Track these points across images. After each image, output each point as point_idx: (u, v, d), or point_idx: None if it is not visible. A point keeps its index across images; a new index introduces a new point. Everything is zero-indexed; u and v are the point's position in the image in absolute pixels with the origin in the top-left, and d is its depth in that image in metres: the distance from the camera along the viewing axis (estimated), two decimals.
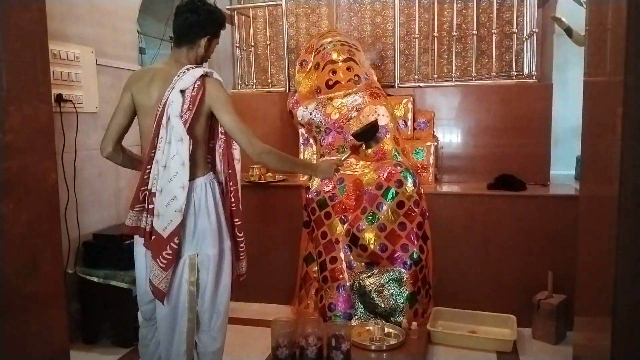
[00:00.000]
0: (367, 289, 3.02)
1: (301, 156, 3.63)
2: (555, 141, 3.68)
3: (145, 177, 1.94)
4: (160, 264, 1.92)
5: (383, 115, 3.33)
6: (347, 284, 3.07)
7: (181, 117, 1.92)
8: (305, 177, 3.46)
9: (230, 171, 2.15)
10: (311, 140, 3.60)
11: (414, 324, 2.85)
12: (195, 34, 2.06)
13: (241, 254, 2.21)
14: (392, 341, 2.78)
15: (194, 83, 1.96)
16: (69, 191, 2.81)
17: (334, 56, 3.47)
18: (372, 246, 3.02)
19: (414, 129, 3.57)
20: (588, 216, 2.28)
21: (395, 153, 3.26)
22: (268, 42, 4.23)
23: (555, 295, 2.94)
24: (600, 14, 2.04)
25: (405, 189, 3.08)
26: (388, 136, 3.30)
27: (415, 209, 3.09)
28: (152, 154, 1.93)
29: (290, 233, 3.40)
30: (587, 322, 2.28)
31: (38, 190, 1.84)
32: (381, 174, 3.12)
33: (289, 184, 3.52)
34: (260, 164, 2.13)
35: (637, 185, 1.65)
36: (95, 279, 2.82)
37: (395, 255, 3.02)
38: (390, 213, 3.05)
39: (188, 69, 2.00)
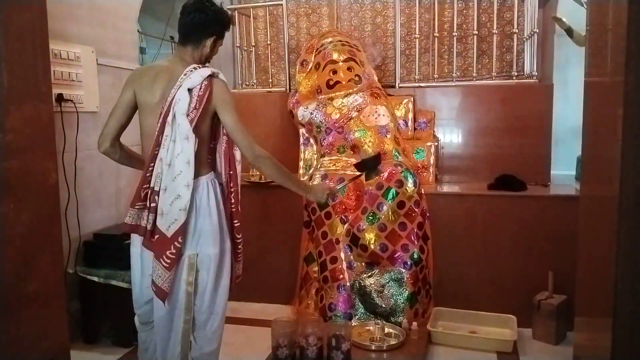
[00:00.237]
0: (368, 289, 3.02)
1: (301, 156, 3.63)
2: (556, 141, 3.68)
3: (148, 174, 1.93)
4: (164, 264, 1.90)
5: (383, 115, 3.33)
6: (348, 284, 3.07)
7: (187, 115, 1.92)
8: (306, 177, 3.46)
9: (231, 172, 2.14)
10: (312, 140, 3.60)
11: (414, 324, 2.85)
12: (202, 33, 2.07)
13: (238, 256, 2.21)
14: (393, 341, 2.78)
15: (201, 82, 1.97)
16: (70, 191, 2.82)
17: (335, 56, 3.47)
18: (372, 246, 3.02)
19: (415, 129, 3.56)
20: (588, 216, 2.28)
21: (396, 153, 3.26)
22: (269, 42, 4.23)
23: (555, 296, 2.93)
24: (601, 14, 2.04)
25: (406, 189, 3.08)
26: (388, 136, 3.30)
27: (416, 209, 3.09)
28: (156, 152, 1.92)
29: (291, 233, 3.40)
30: (587, 322, 2.28)
31: (38, 190, 1.84)
32: (382, 174, 3.12)
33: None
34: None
35: (637, 186, 1.65)
36: (95, 279, 2.82)
37: (396, 256, 3.02)
38: (390, 213, 3.05)
39: (195, 68, 2.01)
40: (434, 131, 3.59)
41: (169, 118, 1.91)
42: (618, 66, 1.73)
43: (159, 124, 1.93)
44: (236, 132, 2.03)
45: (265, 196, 3.48)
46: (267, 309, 3.36)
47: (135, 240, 2.08)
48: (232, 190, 2.13)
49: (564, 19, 3.70)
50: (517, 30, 3.63)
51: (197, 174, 1.97)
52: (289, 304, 3.39)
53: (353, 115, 3.34)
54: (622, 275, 1.70)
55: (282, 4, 3.98)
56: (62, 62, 2.81)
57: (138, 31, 3.58)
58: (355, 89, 3.39)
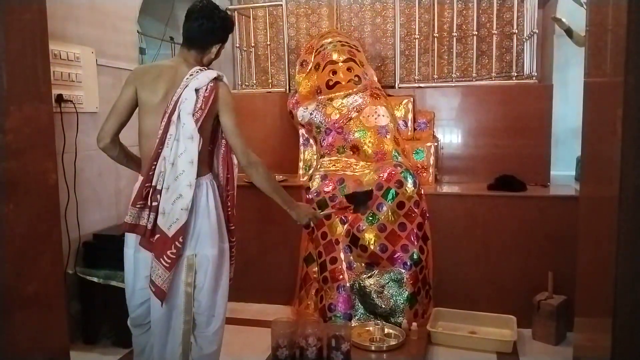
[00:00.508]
0: (367, 290, 3.02)
1: (301, 156, 3.64)
2: (556, 142, 3.68)
3: (150, 173, 1.93)
4: (164, 264, 1.90)
5: (383, 115, 3.33)
6: (347, 284, 3.07)
7: (193, 115, 1.93)
8: (306, 178, 3.47)
9: (229, 176, 2.18)
10: (311, 141, 3.60)
11: (414, 324, 2.85)
12: (209, 40, 2.08)
13: (232, 259, 2.21)
14: (392, 342, 2.78)
15: (208, 84, 1.99)
16: (69, 191, 2.81)
17: (334, 56, 3.47)
18: (372, 247, 3.02)
19: (414, 129, 3.57)
20: (588, 217, 2.28)
21: (396, 154, 3.26)
22: (268, 43, 4.23)
23: (555, 296, 2.93)
24: (601, 15, 2.04)
25: (406, 189, 3.08)
26: (388, 137, 3.30)
27: (416, 210, 3.09)
28: (160, 150, 1.92)
29: (290, 233, 3.40)
30: (587, 323, 2.27)
31: (38, 190, 1.84)
32: (381, 175, 3.12)
33: (289, 185, 3.51)
34: (247, 173, 2.13)
35: (637, 186, 1.65)
36: (95, 279, 2.81)
37: (396, 256, 3.02)
38: (390, 213, 3.05)
39: (201, 69, 2.03)
40: (433, 132, 3.59)
41: (174, 117, 1.92)
42: (618, 66, 1.73)
43: (163, 123, 1.93)
44: (234, 136, 2.05)
45: (265, 197, 3.46)
46: (267, 310, 3.36)
47: (129, 241, 2.08)
48: (229, 193, 2.17)
49: (563, 20, 3.71)
50: (516, 31, 3.63)
51: (197, 174, 1.97)
52: (289, 304, 3.39)
53: (353, 116, 3.34)
54: (622, 275, 1.70)
55: (281, 5, 3.98)
56: (62, 63, 2.81)
57: (138, 32, 3.58)
58: (355, 90, 3.39)
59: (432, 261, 3.16)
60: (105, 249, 2.89)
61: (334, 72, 3.44)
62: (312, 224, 2.34)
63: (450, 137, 3.63)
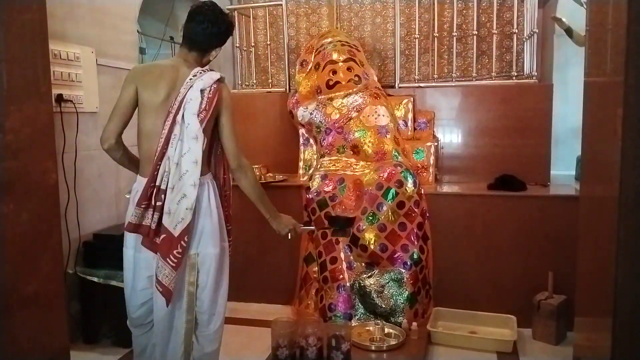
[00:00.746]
0: (367, 289, 3.02)
1: (301, 156, 3.64)
2: (556, 141, 3.68)
3: (155, 173, 1.93)
4: (171, 263, 1.91)
5: (383, 115, 3.33)
6: (347, 284, 3.07)
7: (198, 115, 1.95)
8: (306, 177, 3.47)
9: (225, 176, 2.21)
10: (311, 141, 3.61)
11: (414, 324, 2.85)
12: (211, 44, 2.10)
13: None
14: (392, 342, 2.78)
15: (212, 85, 2.01)
16: (69, 191, 2.82)
17: (335, 56, 3.47)
18: (372, 246, 3.02)
19: (414, 129, 3.57)
20: (588, 216, 2.28)
21: (396, 153, 3.26)
22: (268, 42, 4.23)
23: (555, 296, 2.93)
24: (601, 14, 2.04)
25: (406, 189, 3.08)
26: (388, 136, 3.30)
27: (416, 209, 3.09)
28: (164, 151, 1.93)
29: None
30: (587, 322, 2.28)
31: (38, 190, 1.84)
32: (381, 174, 3.12)
33: (289, 184, 3.52)
34: (235, 177, 2.14)
35: (637, 186, 1.65)
36: (95, 279, 2.82)
37: (396, 256, 3.02)
38: (390, 213, 3.05)
39: (204, 71, 2.04)
40: (433, 131, 3.59)
41: (179, 117, 1.92)
42: (618, 66, 1.73)
43: (168, 123, 1.94)
44: (230, 139, 2.09)
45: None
46: (267, 309, 3.36)
47: (129, 242, 2.08)
48: (226, 193, 2.20)
49: (563, 19, 3.71)
50: (516, 31, 3.63)
51: (200, 174, 1.99)
52: (289, 304, 3.39)
53: (353, 116, 3.34)
54: (622, 275, 1.69)
55: (281, 4, 3.98)
56: (62, 63, 2.81)
57: (138, 31, 3.57)
58: (355, 89, 3.39)
59: (432, 261, 3.16)
60: (105, 249, 2.89)
61: (334, 72, 3.44)
62: (291, 236, 2.35)
63: (451, 137, 3.63)
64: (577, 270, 2.42)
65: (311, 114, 3.46)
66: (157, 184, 1.93)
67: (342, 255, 3.12)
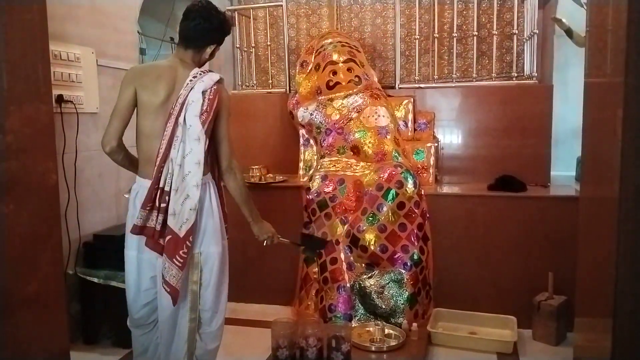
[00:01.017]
0: (368, 290, 3.01)
1: (301, 157, 3.64)
2: (556, 142, 3.68)
3: (159, 175, 1.94)
4: (178, 264, 1.93)
5: (383, 116, 3.33)
6: (348, 285, 3.07)
7: (199, 117, 1.96)
8: (306, 178, 3.47)
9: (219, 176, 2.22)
10: (311, 141, 3.61)
11: (414, 325, 2.85)
12: (205, 40, 2.09)
13: None
14: (393, 342, 2.77)
15: (212, 87, 2.02)
16: (70, 192, 2.82)
17: (335, 57, 3.47)
18: (372, 247, 3.02)
19: (415, 129, 3.57)
20: (588, 217, 2.28)
21: (396, 154, 3.26)
22: (268, 43, 4.23)
23: (555, 297, 2.93)
24: (601, 15, 2.04)
25: (406, 190, 3.08)
26: (388, 137, 3.30)
27: (416, 210, 3.09)
28: (168, 153, 1.94)
29: (291, 234, 3.39)
30: (587, 323, 2.27)
31: (38, 190, 1.84)
32: (381, 175, 3.12)
33: (289, 185, 3.52)
34: (224, 177, 2.16)
35: (637, 186, 1.65)
36: (95, 280, 2.82)
37: (396, 256, 3.02)
38: (390, 214, 3.05)
39: (204, 72, 2.05)
40: (433, 132, 3.59)
41: (181, 119, 1.93)
42: (618, 67, 1.73)
43: (170, 125, 1.94)
44: (225, 140, 2.11)
45: (265, 197, 3.47)
46: (267, 310, 3.36)
47: (131, 243, 2.09)
48: (221, 192, 2.22)
49: (563, 20, 3.71)
50: (517, 31, 3.63)
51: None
52: (289, 305, 3.39)
53: (353, 116, 3.34)
54: (622, 276, 1.69)
55: (282, 5, 3.98)
56: (62, 63, 2.81)
57: (138, 32, 3.58)
58: (355, 90, 3.39)
59: (433, 261, 3.16)
60: (105, 250, 2.89)
61: (334, 73, 3.44)
62: (267, 243, 2.38)
63: (451, 138, 3.63)
64: (577, 270, 2.42)
65: (311, 114, 3.46)
66: (161, 185, 1.94)
67: (342, 256, 3.12)
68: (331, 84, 3.43)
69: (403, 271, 3.01)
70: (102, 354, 2.85)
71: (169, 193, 1.92)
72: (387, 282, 3.01)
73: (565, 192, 3.26)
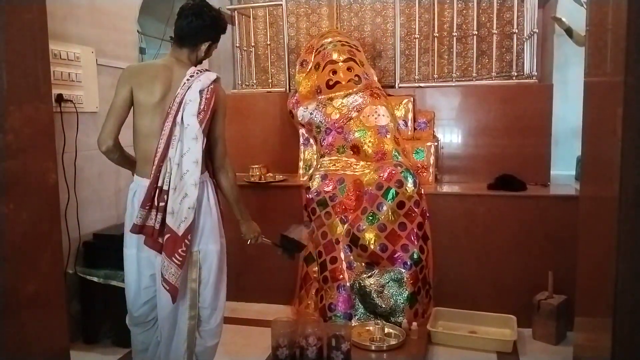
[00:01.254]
0: (368, 289, 3.02)
1: (301, 156, 3.64)
2: (556, 141, 3.67)
3: (157, 174, 1.95)
4: (177, 262, 1.94)
5: (383, 115, 3.33)
6: (348, 284, 3.07)
7: (197, 116, 1.96)
8: (306, 177, 3.47)
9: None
10: (311, 141, 3.61)
11: (414, 324, 2.85)
12: (198, 38, 2.09)
13: None
14: (392, 341, 2.78)
15: (209, 86, 2.02)
16: (69, 191, 2.82)
17: (335, 56, 3.47)
18: (372, 246, 3.02)
19: (415, 129, 3.57)
20: (588, 216, 2.28)
21: (396, 153, 3.26)
22: (268, 42, 4.23)
23: (555, 296, 2.93)
24: (601, 14, 2.04)
25: (406, 189, 3.08)
26: (388, 136, 3.30)
27: (416, 209, 3.09)
28: (166, 152, 1.94)
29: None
30: (587, 322, 2.28)
31: (38, 190, 1.84)
32: (381, 174, 3.12)
33: (289, 184, 3.52)
34: (217, 175, 2.17)
35: (637, 186, 1.65)
36: (95, 279, 2.82)
37: (396, 256, 3.02)
38: (390, 213, 3.05)
39: (201, 71, 2.06)
40: (433, 131, 3.59)
41: (178, 118, 1.94)
42: (618, 66, 1.73)
43: (168, 124, 1.95)
44: (220, 139, 2.13)
45: (265, 196, 3.48)
46: (267, 309, 3.36)
47: (130, 242, 2.10)
48: (216, 191, 2.22)
49: (563, 19, 3.70)
50: (516, 30, 3.63)
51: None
52: (289, 304, 3.39)
53: (353, 116, 3.34)
54: (622, 275, 1.70)
55: (281, 4, 3.98)
56: (62, 63, 2.81)
57: (138, 31, 3.57)
58: (355, 89, 3.39)
59: (432, 261, 3.16)
60: (105, 249, 2.89)
61: (334, 72, 3.44)
62: (251, 242, 2.41)
63: (451, 137, 3.63)
64: (577, 270, 2.42)
65: (311, 113, 3.46)
66: (160, 185, 1.95)
67: (342, 255, 3.12)
68: (331, 83, 3.43)
69: (403, 270, 3.01)
70: (102, 353, 2.85)
71: (167, 192, 1.93)
72: (387, 281, 3.01)
73: (565, 191, 3.26)
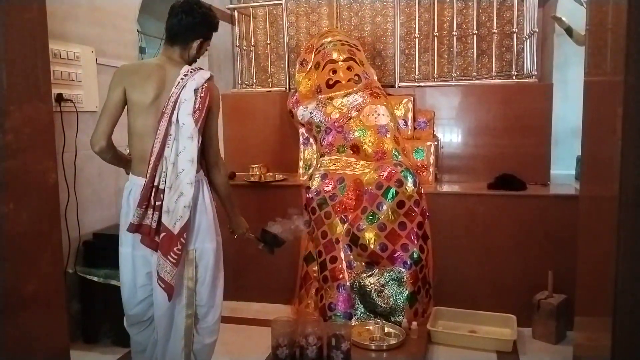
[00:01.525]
0: (367, 289, 3.02)
1: (301, 155, 3.64)
2: (556, 141, 3.68)
3: (153, 173, 1.95)
4: (172, 260, 1.94)
5: (383, 114, 3.33)
6: (347, 283, 3.07)
7: (192, 115, 1.96)
8: (306, 177, 3.47)
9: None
10: (311, 140, 3.61)
11: (414, 323, 2.85)
12: (189, 35, 2.09)
13: None
14: (392, 341, 2.78)
15: (203, 84, 2.02)
16: (69, 191, 2.81)
17: (335, 56, 3.47)
18: (372, 246, 3.02)
19: (414, 128, 3.56)
20: (588, 216, 2.28)
21: (396, 153, 3.26)
22: (268, 42, 4.23)
23: (555, 295, 2.94)
24: (601, 14, 2.04)
25: (406, 188, 3.08)
26: (388, 136, 3.30)
27: (416, 209, 3.09)
28: (162, 151, 1.95)
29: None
30: (587, 322, 2.28)
31: (38, 189, 1.84)
32: (381, 174, 3.12)
33: (289, 184, 3.52)
34: (211, 172, 2.18)
35: (637, 186, 1.65)
36: (95, 279, 2.82)
37: (396, 255, 3.02)
38: (390, 213, 3.05)
39: (195, 69, 2.05)
40: (433, 131, 3.59)
41: (174, 117, 1.94)
42: (618, 66, 1.73)
43: (164, 124, 1.95)
44: (214, 138, 2.14)
45: (265, 196, 3.48)
46: (267, 309, 3.36)
47: (125, 240, 2.10)
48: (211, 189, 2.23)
49: (563, 19, 3.70)
50: (516, 30, 3.63)
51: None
52: (289, 303, 3.39)
53: (353, 115, 3.34)
54: (622, 274, 1.70)
55: (281, 4, 3.98)
56: (62, 62, 2.81)
57: (138, 31, 3.57)
58: (355, 89, 3.39)
59: (432, 260, 3.16)
60: (105, 248, 2.88)
61: (334, 71, 3.44)
62: (236, 236, 2.45)
63: (450, 136, 3.63)
64: (577, 269, 2.42)
65: (311, 113, 3.46)
66: (156, 184, 1.95)
67: (342, 254, 3.12)
68: (331, 82, 3.43)
69: (403, 270, 3.01)
70: (102, 352, 2.85)
71: (163, 191, 1.94)
72: (387, 280, 3.01)
73: (565, 190, 3.26)
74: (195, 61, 2.17)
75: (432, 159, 3.41)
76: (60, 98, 2.76)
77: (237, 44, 4.28)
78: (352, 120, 3.33)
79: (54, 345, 1.93)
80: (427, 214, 3.16)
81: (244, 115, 3.88)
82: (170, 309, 2.05)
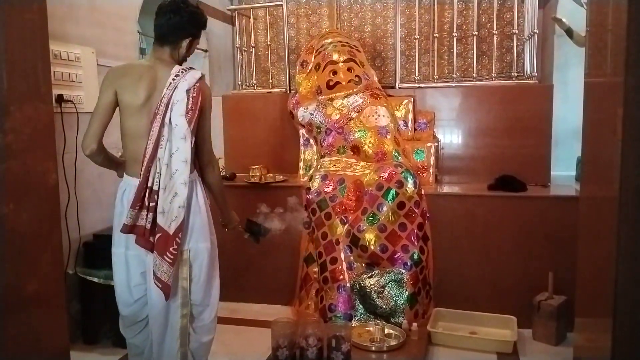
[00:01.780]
0: (368, 290, 3.01)
1: (301, 156, 3.64)
2: (556, 142, 3.68)
3: (147, 174, 1.95)
4: (168, 260, 1.95)
5: (383, 115, 3.33)
6: (348, 284, 3.07)
7: (185, 116, 1.96)
8: (306, 178, 3.47)
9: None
10: (312, 141, 3.61)
11: (415, 324, 2.85)
12: (178, 35, 2.08)
13: None
14: (393, 342, 2.77)
15: (195, 84, 2.02)
16: (70, 191, 2.82)
17: (335, 57, 3.47)
18: (372, 247, 3.02)
19: (415, 129, 3.57)
20: (589, 217, 2.28)
21: (396, 154, 3.26)
22: (269, 43, 4.23)
23: (555, 297, 2.93)
24: (601, 15, 2.04)
25: (406, 189, 3.08)
26: (388, 137, 3.30)
27: (416, 210, 3.09)
28: (155, 153, 1.95)
29: (291, 234, 3.39)
30: (587, 323, 2.27)
31: (38, 190, 1.84)
32: (382, 175, 3.12)
33: (289, 185, 3.52)
34: (205, 170, 2.18)
35: (637, 186, 1.65)
36: (95, 280, 2.82)
37: (396, 256, 3.02)
38: (390, 214, 3.05)
39: (185, 70, 2.05)
40: (434, 132, 3.59)
41: (166, 118, 1.94)
42: (618, 66, 1.73)
43: (156, 125, 1.95)
44: (207, 137, 2.14)
45: (265, 197, 3.46)
46: (267, 310, 3.36)
47: (118, 241, 2.11)
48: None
49: (563, 20, 3.71)
50: (517, 31, 3.63)
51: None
52: (289, 304, 3.39)
53: (353, 116, 3.34)
54: (622, 276, 1.69)
55: (282, 5, 3.98)
56: (62, 63, 2.81)
57: (138, 32, 3.58)
58: (355, 90, 3.39)
59: (433, 261, 3.16)
60: (105, 249, 2.85)
61: (335, 73, 3.44)
62: (227, 230, 2.47)
63: (451, 138, 3.63)
64: (577, 271, 2.42)
65: (311, 114, 3.46)
66: (149, 185, 1.95)
67: (342, 255, 3.12)
68: (331, 83, 3.43)
69: (403, 271, 3.01)
70: (102, 353, 2.85)
71: (157, 192, 1.95)
72: (387, 281, 3.01)
73: (566, 192, 3.26)
74: (186, 60, 2.17)
75: (432, 160, 3.41)
76: (60, 99, 2.77)
77: (238, 45, 4.28)
78: (352, 121, 3.33)
79: (54, 346, 1.93)
80: (428, 215, 3.16)
81: (244, 116, 3.88)
82: (164, 308, 2.05)
